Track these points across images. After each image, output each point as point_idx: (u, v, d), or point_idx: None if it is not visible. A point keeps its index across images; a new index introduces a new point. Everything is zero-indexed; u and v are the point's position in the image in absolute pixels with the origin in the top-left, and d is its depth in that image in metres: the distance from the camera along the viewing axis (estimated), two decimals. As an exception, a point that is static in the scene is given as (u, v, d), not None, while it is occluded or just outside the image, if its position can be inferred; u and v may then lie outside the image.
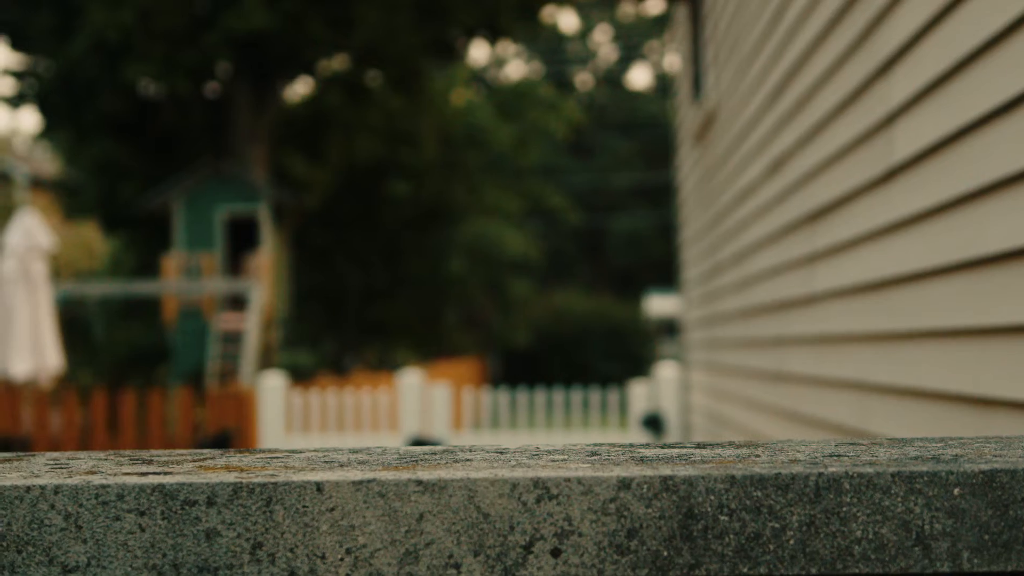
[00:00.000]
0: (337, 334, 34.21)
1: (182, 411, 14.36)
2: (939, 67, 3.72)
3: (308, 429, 14.52)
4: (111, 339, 28.30)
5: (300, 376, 21.62)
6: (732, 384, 9.10)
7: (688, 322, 12.60)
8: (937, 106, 3.78)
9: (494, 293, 39.25)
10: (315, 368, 25.64)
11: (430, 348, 34.78)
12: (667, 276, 38.11)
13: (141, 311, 28.97)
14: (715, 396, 10.44)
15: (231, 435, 13.94)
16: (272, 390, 14.13)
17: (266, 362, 24.09)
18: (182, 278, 26.01)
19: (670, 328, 41.58)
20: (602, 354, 38.39)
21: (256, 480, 1.27)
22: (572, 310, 40.35)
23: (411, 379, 14.37)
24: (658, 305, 44.31)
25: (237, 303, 25.84)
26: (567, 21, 53.89)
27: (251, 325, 23.83)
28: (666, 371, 14.13)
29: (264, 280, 25.22)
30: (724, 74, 9.09)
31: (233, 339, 24.30)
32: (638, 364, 36.28)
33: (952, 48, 3.60)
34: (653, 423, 13.87)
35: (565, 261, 50.95)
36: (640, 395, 14.51)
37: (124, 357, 27.51)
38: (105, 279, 31.89)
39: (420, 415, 14.25)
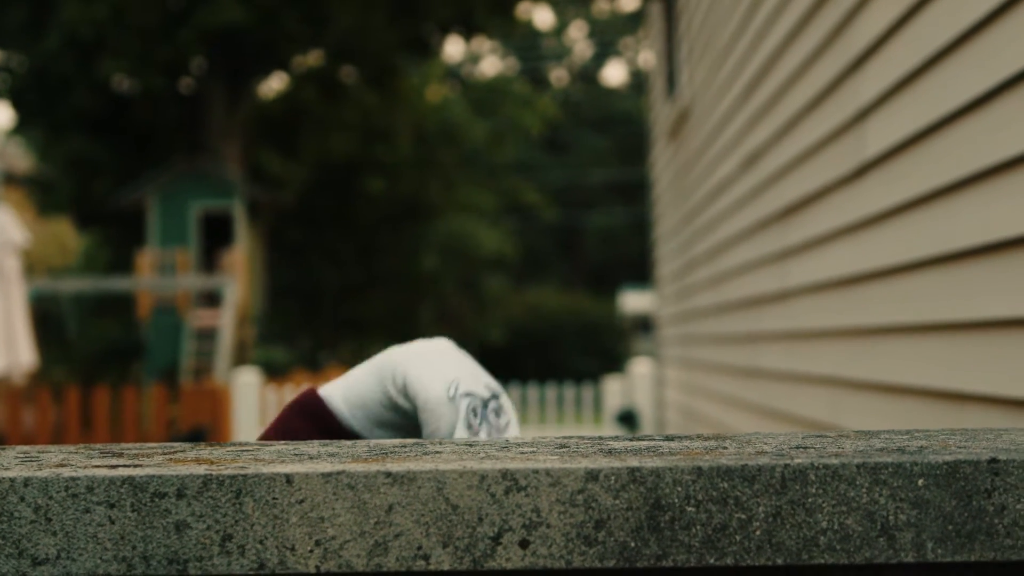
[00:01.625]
0: (312, 331, 34.18)
1: (156, 408, 14.33)
2: (910, 63, 3.74)
3: (282, 425, 14.50)
4: (85, 336, 28.21)
5: (275, 372, 21.59)
6: (706, 380, 9.13)
7: (662, 318, 12.63)
8: (908, 102, 3.80)
9: (469, 290, 39.27)
10: (290, 364, 25.61)
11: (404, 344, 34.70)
12: (642, 272, 38.14)
13: (115, 308, 28.89)
14: (689, 392, 10.46)
15: (205, 431, 13.91)
16: (246, 386, 14.11)
17: (241, 359, 24.05)
18: (156, 274, 25.95)
19: (645, 324, 41.62)
20: (577, 351, 38.42)
21: (226, 472, 1.27)
22: (547, 307, 40.37)
23: (386, 375, 14.37)
24: (633, 301, 44.34)
25: (212, 299, 25.79)
26: (542, 17, 53.93)
27: (226, 321, 23.78)
28: (640, 367, 14.15)
29: (239, 276, 25.17)
30: (698, 70, 9.11)
31: (208, 335, 24.25)
32: (613, 360, 36.32)
33: (922, 44, 3.62)
34: (627, 419, 13.89)
35: (540, 258, 50.98)
36: (614, 391, 14.53)
37: (98, 354, 27.43)
38: (79, 275, 31.78)
39: (395, 411, 14.24)
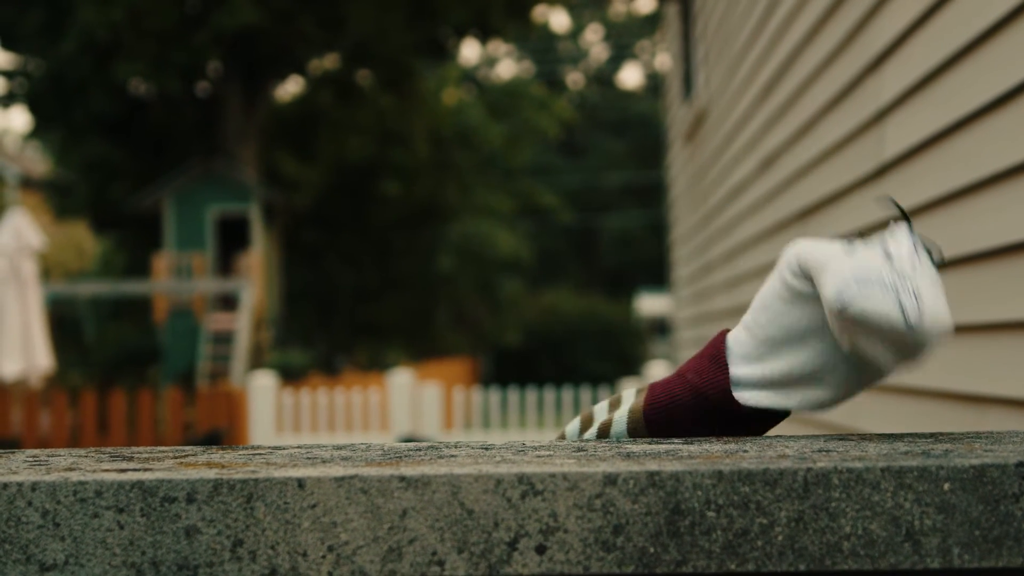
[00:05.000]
0: (328, 334, 34.19)
1: (172, 411, 14.33)
2: (930, 63, 3.71)
3: (299, 429, 14.50)
4: (101, 339, 28.26)
5: (291, 376, 21.59)
6: (723, 383, 9.08)
7: (679, 321, 12.59)
8: (928, 102, 3.77)
9: (485, 293, 39.26)
10: (306, 368, 25.62)
11: (421, 348, 34.77)
12: (658, 275, 38.14)
13: (131, 311, 28.94)
14: (706, 395, 10.42)
15: (221, 435, 13.91)
16: (263, 389, 14.10)
17: (257, 362, 24.06)
18: (173, 278, 25.98)
19: (661, 327, 41.62)
20: (593, 353, 38.38)
21: (237, 476, 1.25)
22: (563, 309, 40.33)
23: (401, 378, 14.35)
24: (649, 304, 44.36)
25: (228, 303, 25.82)
26: (558, 20, 53.93)
27: (242, 325, 23.81)
28: (657, 370, 14.12)
29: (255, 280, 25.19)
30: (715, 72, 9.08)
31: (224, 339, 24.28)
32: (629, 363, 36.29)
33: (942, 44, 3.59)
34: (644, 422, 13.86)
35: (556, 260, 50.97)
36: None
37: (114, 357, 27.48)
38: (95, 279, 31.85)
39: (410, 415, 14.24)
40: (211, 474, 1.26)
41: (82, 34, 25.70)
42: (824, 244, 1.52)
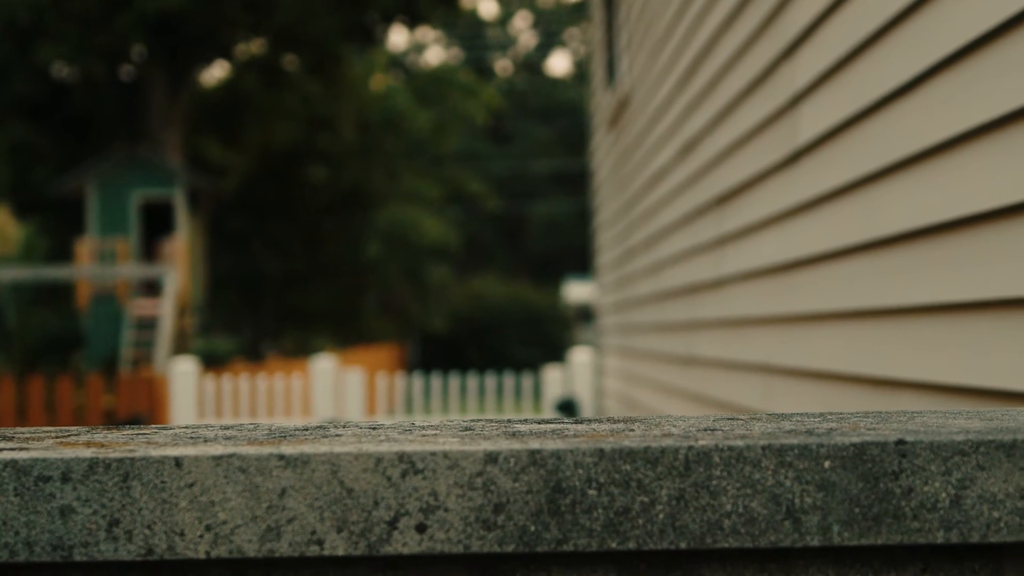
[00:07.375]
0: (255, 320, 34.00)
1: (93, 397, 14.20)
2: (842, 49, 3.73)
3: (220, 415, 14.40)
4: (23, 325, 27.93)
5: (216, 362, 21.46)
6: (644, 368, 9.12)
7: (602, 307, 12.62)
8: (840, 88, 3.79)
9: (412, 279, 39.18)
10: (231, 354, 25.46)
11: (348, 334, 34.65)
12: (586, 263, 38.17)
13: (54, 297, 28.63)
14: (628, 380, 10.46)
15: (143, 421, 13.80)
16: (184, 375, 14.00)
17: (181, 348, 23.88)
18: (96, 263, 25.71)
19: (587, 314, 41.69)
20: (520, 340, 38.43)
21: (113, 455, 1.23)
22: (490, 296, 40.35)
23: (324, 364, 14.29)
24: (576, 291, 44.44)
25: (152, 289, 25.60)
26: (487, 7, 53.89)
27: (166, 311, 23.61)
28: (580, 356, 14.14)
29: (179, 266, 24.99)
30: (637, 59, 9.10)
31: (147, 325, 24.07)
32: (556, 350, 36.34)
33: (854, 29, 3.61)
34: (567, 408, 13.88)
35: (484, 247, 50.96)
36: (555, 380, 14.51)
37: (37, 344, 27.17)
38: (17, 264, 31.48)
39: (334, 401, 14.18)
40: (87, 453, 1.25)
41: (3, 16, 25.38)
42: None
